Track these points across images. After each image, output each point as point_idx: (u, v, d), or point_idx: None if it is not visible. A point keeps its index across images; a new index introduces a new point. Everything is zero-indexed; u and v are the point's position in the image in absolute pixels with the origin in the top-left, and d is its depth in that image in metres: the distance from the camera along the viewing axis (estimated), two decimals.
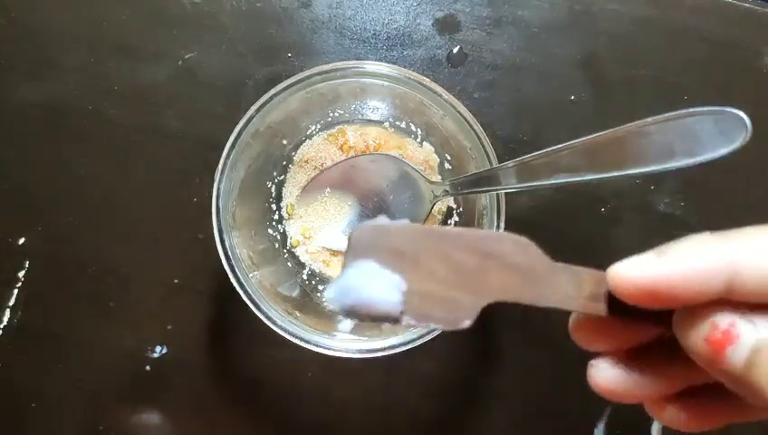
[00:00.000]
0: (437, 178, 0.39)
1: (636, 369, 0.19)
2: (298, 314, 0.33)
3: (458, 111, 0.33)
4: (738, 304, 0.16)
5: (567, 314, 0.20)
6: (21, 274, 0.40)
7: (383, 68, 0.33)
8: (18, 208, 0.40)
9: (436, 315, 0.18)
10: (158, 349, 0.39)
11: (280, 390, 0.40)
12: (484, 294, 0.18)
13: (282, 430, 0.40)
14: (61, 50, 0.41)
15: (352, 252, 0.19)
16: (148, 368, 0.39)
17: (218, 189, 0.32)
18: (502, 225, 0.32)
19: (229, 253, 0.32)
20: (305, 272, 0.39)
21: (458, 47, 0.41)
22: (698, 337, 0.17)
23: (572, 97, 0.41)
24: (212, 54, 0.41)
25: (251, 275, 0.32)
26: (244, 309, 0.31)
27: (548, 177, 0.27)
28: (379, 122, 0.39)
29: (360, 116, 0.39)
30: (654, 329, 0.19)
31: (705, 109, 0.21)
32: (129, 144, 0.40)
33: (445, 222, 0.40)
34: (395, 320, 0.18)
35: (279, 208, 0.39)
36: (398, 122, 0.39)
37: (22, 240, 0.40)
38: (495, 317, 0.40)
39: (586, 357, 0.20)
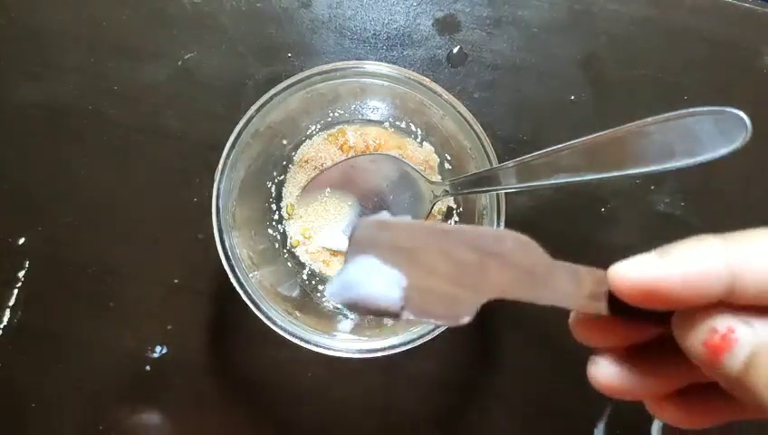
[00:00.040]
0: (437, 178, 0.39)
1: (636, 366, 0.19)
2: (298, 314, 0.33)
3: (458, 111, 0.33)
4: (738, 306, 0.16)
5: (567, 313, 0.20)
6: (21, 274, 0.40)
7: (383, 68, 0.33)
8: (18, 208, 0.40)
9: (436, 311, 0.19)
10: (158, 349, 0.39)
11: (280, 390, 0.40)
12: (484, 291, 0.18)
13: (282, 430, 0.40)
14: (61, 50, 0.41)
15: (353, 247, 0.19)
16: (148, 368, 0.39)
17: (218, 189, 0.32)
18: (502, 225, 0.32)
19: (229, 253, 0.32)
20: (305, 272, 0.39)
21: (458, 47, 0.42)
22: (697, 340, 0.17)
23: (572, 97, 0.41)
24: (212, 54, 0.41)
25: (251, 275, 0.32)
26: (244, 309, 0.31)
27: (548, 177, 0.27)
28: (379, 122, 0.39)
29: (359, 116, 0.39)
30: (654, 329, 0.19)
31: (705, 109, 0.21)
32: (129, 144, 0.40)
33: (445, 222, 0.40)
34: (395, 315, 0.18)
35: (279, 208, 0.39)
36: (398, 122, 0.39)
37: (22, 240, 0.40)
38: (495, 317, 0.40)
39: (586, 357, 0.20)
